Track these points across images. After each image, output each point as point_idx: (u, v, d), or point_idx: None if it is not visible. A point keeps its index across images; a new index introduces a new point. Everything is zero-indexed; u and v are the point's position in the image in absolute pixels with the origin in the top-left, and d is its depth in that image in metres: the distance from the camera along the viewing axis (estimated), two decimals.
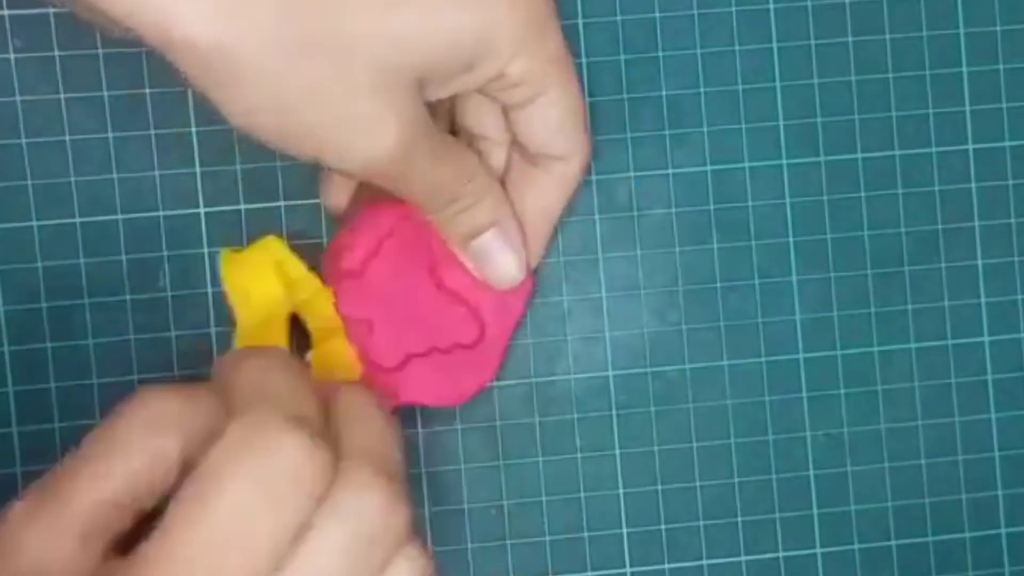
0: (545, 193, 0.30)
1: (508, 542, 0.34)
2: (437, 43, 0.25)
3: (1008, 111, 0.34)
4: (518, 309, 0.32)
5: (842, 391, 0.34)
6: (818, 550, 0.34)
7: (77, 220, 0.33)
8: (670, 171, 0.34)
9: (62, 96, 0.33)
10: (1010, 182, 0.34)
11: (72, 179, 0.33)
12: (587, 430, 0.34)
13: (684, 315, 0.34)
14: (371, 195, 0.30)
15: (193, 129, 0.33)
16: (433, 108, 0.27)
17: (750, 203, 0.34)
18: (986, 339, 0.34)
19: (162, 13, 0.22)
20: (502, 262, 0.30)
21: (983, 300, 0.34)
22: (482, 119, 0.30)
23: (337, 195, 0.31)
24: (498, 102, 0.28)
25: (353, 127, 0.25)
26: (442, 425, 0.34)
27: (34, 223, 0.33)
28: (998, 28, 0.34)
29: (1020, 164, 0.34)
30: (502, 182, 0.31)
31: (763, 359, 0.34)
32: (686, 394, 0.34)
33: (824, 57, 0.34)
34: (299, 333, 0.32)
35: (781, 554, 0.34)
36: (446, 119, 0.31)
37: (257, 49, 0.23)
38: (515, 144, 0.30)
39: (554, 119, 0.28)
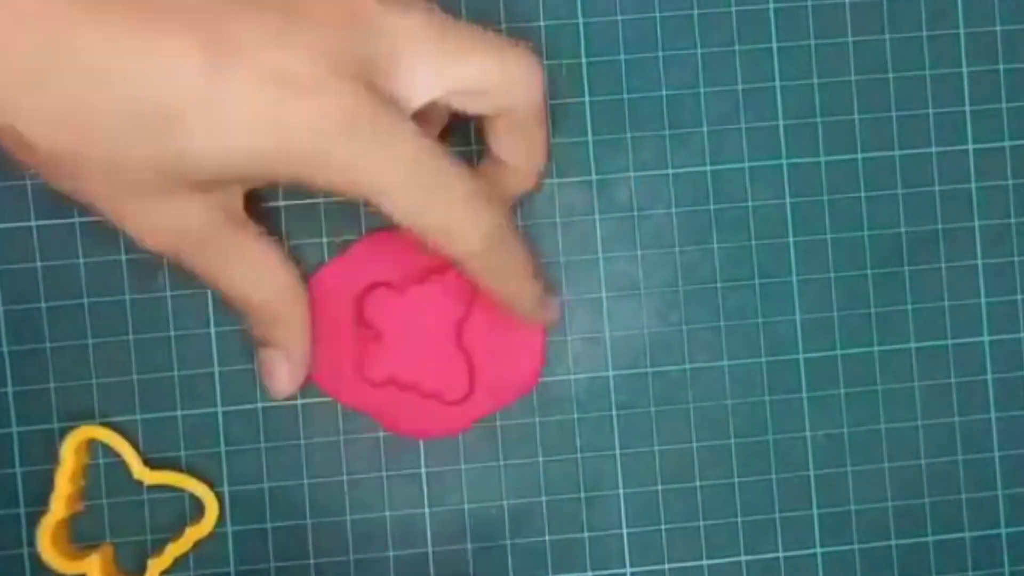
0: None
1: (508, 542, 0.34)
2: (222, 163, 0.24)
3: (1008, 111, 0.34)
4: (509, 398, 0.33)
5: (842, 391, 0.34)
6: (818, 550, 0.34)
7: (77, 220, 0.33)
8: (670, 171, 0.34)
9: None
10: (1010, 182, 0.34)
11: None
12: (587, 430, 0.34)
13: (684, 315, 0.34)
14: None
15: None
16: (427, 119, 0.27)
17: (750, 203, 0.34)
18: (986, 339, 0.34)
19: None
20: (276, 379, 0.29)
21: (983, 300, 0.34)
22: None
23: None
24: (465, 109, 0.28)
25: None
26: None
27: (33, 223, 0.33)
28: (998, 28, 0.34)
29: (1020, 164, 0.34)
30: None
31: (763, 359, 0.34)
32: (686, 394, 0.34)
33: (824, 57, 0.34)
34: None
35: (781, 554, 0.34)
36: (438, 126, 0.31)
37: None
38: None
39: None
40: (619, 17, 0.34)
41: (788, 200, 0.34)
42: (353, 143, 0.24)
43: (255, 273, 0.27)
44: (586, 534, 0.34)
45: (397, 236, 0.32)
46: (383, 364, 0.32)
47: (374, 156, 0.24)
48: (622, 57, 0.34)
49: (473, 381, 0.32)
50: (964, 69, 0.34)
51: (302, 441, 0.33)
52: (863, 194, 0.34)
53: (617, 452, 0.34)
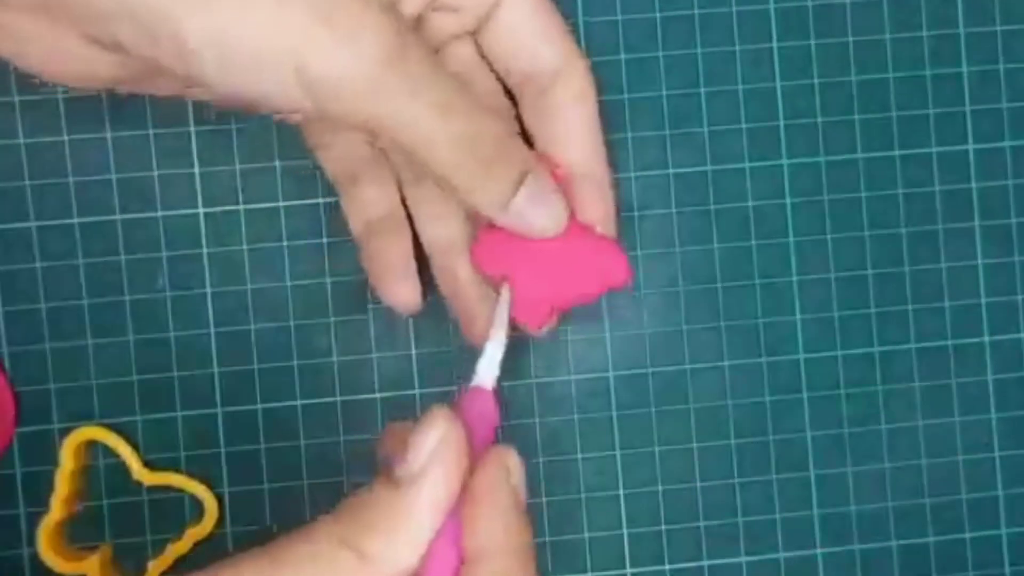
0: (570, 111, 0.29)
1: None
2: None
3: (1008, 111, 0.34)
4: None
5: (842, 391, 0.34)
6: (818, 550, 0.34)
7: (76, 220, 0.33)
8: (670, 171, 0.34)
9: (60, 96, 0.32)
10: (1010, 182, 0.34)
11: (71, 179, 0.33)
12: (587, 430, 0.34)
13: (684, 315, 0.34)
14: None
15: (192, 129, 0.33)
16: None
17: (750, 203, 0.34)
18: (986, 339, 0.34)
19: None
20: (545, 214, 0.27)
21: (983, 300, 0.34)
22: (476, 82, 0.29)
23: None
24: (466, 13, 0.28)
25: (329, 33, 0.23)
26: None
27: (33, 223, 0.33)
28: (998, 28, 0.34)
29: (1020, 164, 0.34)
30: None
31: (763, 359, 0.34)
32: (686, 394, 0.34)
33: (824, 57, 0.34)
34: None
35: (781, 554, 0.34)
36: None
37: None
38: (518, 93, 0.29)
39: (531, 17, 0.28)
40: (619, 17, 0.34)
41: (788, 200, 0.34)
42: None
43: (467, 92, 0.26)
44: (586, 534, 0.34)
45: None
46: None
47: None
48: (622, 57, 0.34)
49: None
50: (964, 69, 0.34)
51: (302, 441, 0.33)
52: (863, 194, 0.34)
53: (617, 452, 0.34)
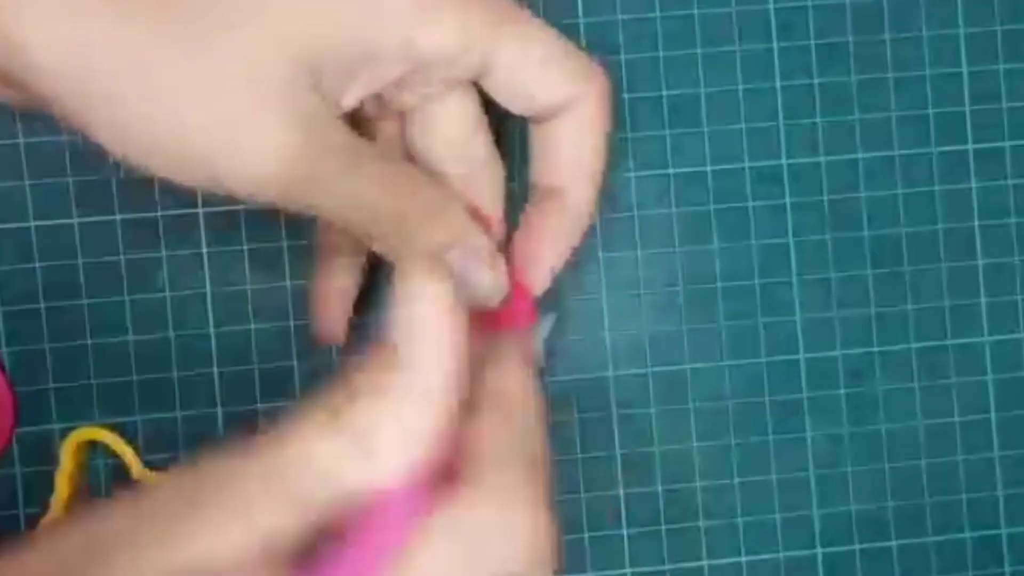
0: (572, 148, 0.27)
1: None
2: (315, 21, 0.22)
3: (1008, 111, 0.34)
4: None
5: (842, 391, 0.34)
6: (818, 550, 0.34)
7: (76, 220, 0.33)
8: (670, 171, 0.34)
9: None
10: (1010, 182, 0.34)
11: (70, 179, 0.33)
12: (587, 430, 0.34)
13: (684, 315, 0.34)
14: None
15: None
16: (371, 131, 0.26)
17: (750, 203, 0.34)
18: (986, 339, 0.34)
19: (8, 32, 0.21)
20: (476, 283, 0.26)
21: (983, 300, 0.34)
22: (444, 163, 0.27)
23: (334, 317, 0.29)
24: (450, 82, 0.25)
25: (234, 131, 0.22)
26: None
27: (32, 223, 0.33)
28: (998, 28, 0.34)
29: (1020, 164, 0.34)
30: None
31: (763, 359, 0.34)
32: (686, 394, 0.34)
33: (824, 57, 0.34)
34: None
35: (781, 554, 0.34)
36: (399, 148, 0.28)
37: (104, 58, 0.21)
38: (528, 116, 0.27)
39: (531, 71, 0.25)
40: (619, 17, 0.34)
41: (788, 200, 0.34)
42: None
43: (393, 167, 0.25)
44: (587, 534, 0.34)
45: None
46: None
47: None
48: (622, 57, 0.34)
49: None
50: (964, 69, 0.34)
51: None
52: (863, 194, 0.34)
53: (617, 452, 0.34)
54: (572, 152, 0.27)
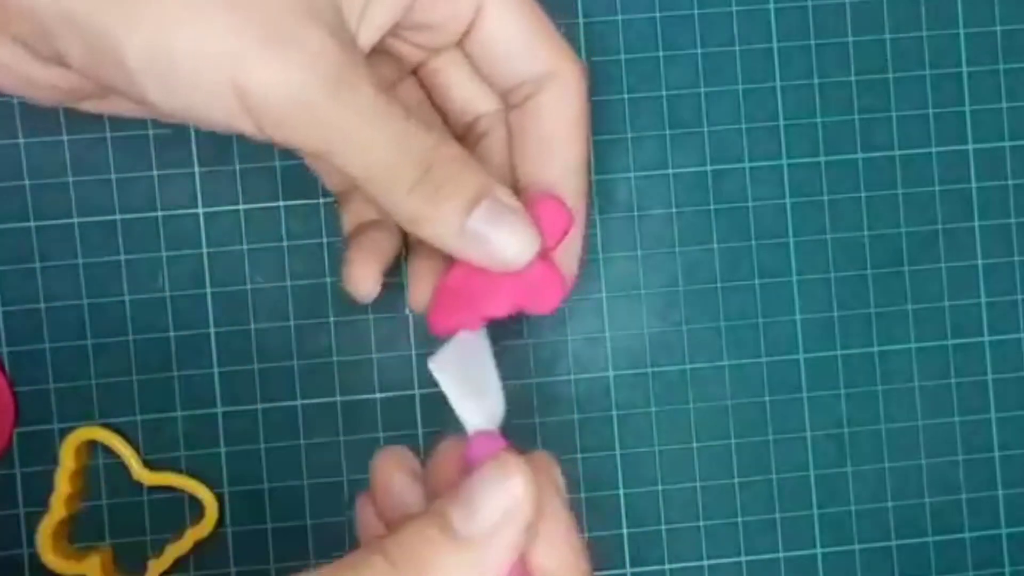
0: (554, 114, 0.26)
1: None
2: None
3: (1008, 111, 0.34)
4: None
5: (842, 391, 0.34)
6: (818, 550, 0.34)
7: (76, 220, 0.33)
8: (670, 171, 0.34)
9: None
10: (1010, 182, 0.34)
11: (71, 179, 0.33)
12: (587, 430, 0.34)
13: (684, 315, 0.34)
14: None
15: (193, 129, 0.33)
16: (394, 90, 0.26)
17: (750, 203, 0.34)
18: (986, 339, 0.34)
19: None
20: (504, 242, 0.24)
21: (983, 300, 0.34)
22: (462, 103, 0.27)
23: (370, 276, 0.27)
24: (445, 29, 0.26)
25: (268, 55, 0.21)
26: (443, 426, 0.34)
27: (32, 223, 0.33)
28: (998, 28, 0.34)
29: (1020, 164, 0.34)
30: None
31: (763, 359, 0.34)
32: (686, 394, 0.34)
33: (824, 57, 0.34)
34: None
35: (781, 554, 0.34)
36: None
37: None
38: (505, 99, 0.27)
39: (515, 27, 0.26)
40: (619, 17, 0.34)
41: (788, 200, 0.34)
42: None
43: (413, 120, 0.24)
44: (587, 534, 0.34)
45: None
46: None
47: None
48: (622, 57, 0.34)
49: None
50: (964, 69, 0.34)
51: (302, 441, 0.33)
52: (863, 194, 0.34)
53: (617, 452, 0.34)
54: (556, 129, 0.26)
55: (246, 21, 0.21)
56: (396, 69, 0.27)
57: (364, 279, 0.27)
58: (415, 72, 0.28)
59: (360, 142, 0.23)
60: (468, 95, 0.28)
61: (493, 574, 0.21)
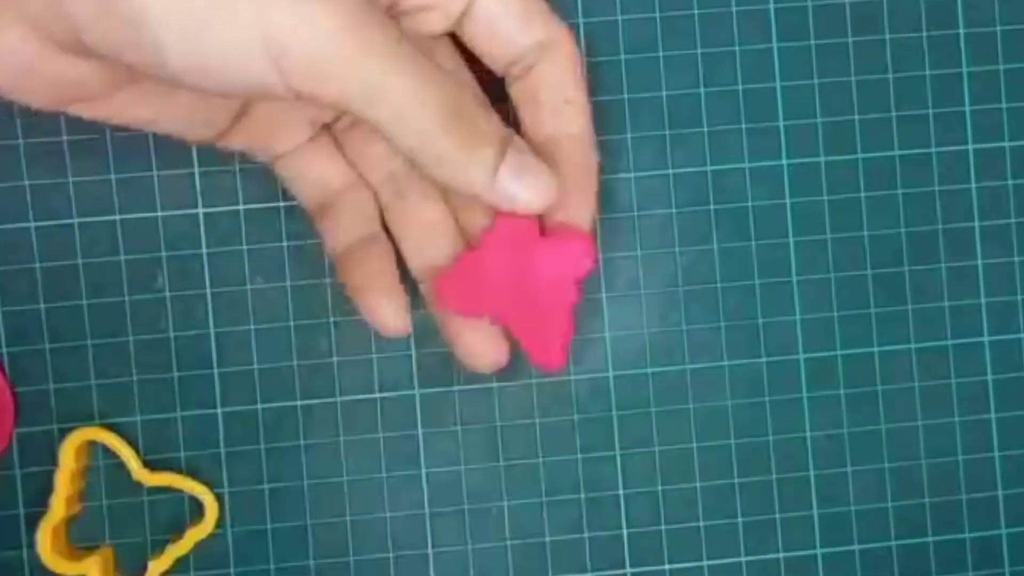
0: (555, 79, 0.28)
1: (508, 542, 0.34)
2: None
3: (1008, 111, 0.34)
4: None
5: (842, 391, 0.34)
6: (818, 550, 0.34)
7: (75, 220, 0.33)
8: (670, 171, 0.34)
9: None
10: (1010, 182, 0.34)
11: (70, 179, 0.33)
12: (587, 430, 0.34)
13: (684, 315, 0.34)
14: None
15: None
16: None
17: (750, 203, 0.34)
18: (986, 339, 0.34)
19: None
20: (530, 186, 0.25)
21: (983, 300, 0.34)
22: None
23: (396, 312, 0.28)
24: (446, 7, 0.26)
25: (295, 3, 0.22)
26: (442, 426, 0.34)
27: (32, 223, 0.33)
28: (998, 28, 0.34)
29: (1020, 164, 0.34)
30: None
31: (763, 359, 0.34)
32: (686, 394, 0.34)
33: (824, 57, 0.34)
34: None
35: (781, 554, 0.34)
36: None
37: None
38: (506, 72, 0.28)
39: (503, 10, 0.27)
40: (619, 17, 0.34)
41: (788, 200, 0.34)
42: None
43: (438, 68, 0.24)
44: (586, 534, 0.34)
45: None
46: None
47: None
48: (622, 57, 0.34)
49: None
50: (964, 69, 0.34)
51: (302, 441, 0.33)
52: (863, 194, 0.34)
53: (617, 452, 0.34)
54: (558, 90, 0.28)
55: None
56: None
57: (386, 315, 0.28)
58: None
59: (391, 86, 0.23)
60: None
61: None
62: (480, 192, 0.25)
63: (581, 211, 0.28)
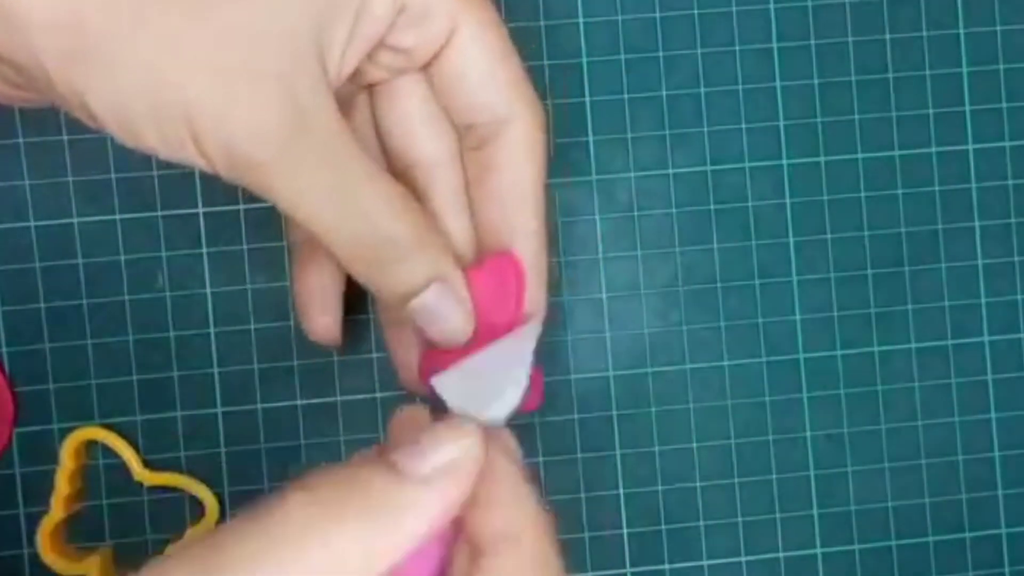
0: (512, 169, 0.26)
1: None
2: None
3: (1008, 111, 0.34)
4: None
5: (842, 391, 0.34)
6: (818, 550, 0.34)
7: (76, 220, 0.33)
8: (670, 171, 0.34)
9: None
10: (1010, 182, 0.34)
11: (70, 179, 0.33)
12: (587, 430, 0.34)
13: (684, 315, 0.34)
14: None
15: None
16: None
17: (750, 203, 0.34)
18: (986, 339, 0.34)
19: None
20: (450, 319, 0.25)
21: (983, 300, 0.34)
22: (414, 136, 0.27)
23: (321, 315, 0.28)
24: (414, 54, 0.25)
25: (221, 102, 0.21)
26: None
27: (32, 223, 0.33)
28: (998, 28, 0.34)
29: (1020, 164, 0.34)
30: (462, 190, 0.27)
31: (763, 359, 0.34)
32: (686, 394, 0.34)
33: (824, 57, 0.34)
34: None
35: (781, 554, 0.34)
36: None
37: (102, 15, 0.21)
38: (462, 136, 0.27)
39: (482, 61, 0.25)
40: (619, 17, 0.34)
41: (788, 200, 0.34)
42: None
43: (386, 184, 0.24)
44: (586, 534, 0.34)
45: None
46: None
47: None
48: (622, 57, 0.34)
49: None
50: (964, 69, 0.34)
51: (302, 441, 0.33)
52: (863, 194, 0.34)
53: (617, 452, 0.34)
54: (514, 186, 0.26)
55: (202, 74, 0.21)
56: (351, 85, 0.26)
57: (327, 328, 0.28)
58: (369, 87, 0.27)
59: (309, 199, 0.23)
60: (416, 141, 0.27)
61: (425, 519, 0.19)
62: (391, 310, 0.25)
63: (532, 304, 0.27)
